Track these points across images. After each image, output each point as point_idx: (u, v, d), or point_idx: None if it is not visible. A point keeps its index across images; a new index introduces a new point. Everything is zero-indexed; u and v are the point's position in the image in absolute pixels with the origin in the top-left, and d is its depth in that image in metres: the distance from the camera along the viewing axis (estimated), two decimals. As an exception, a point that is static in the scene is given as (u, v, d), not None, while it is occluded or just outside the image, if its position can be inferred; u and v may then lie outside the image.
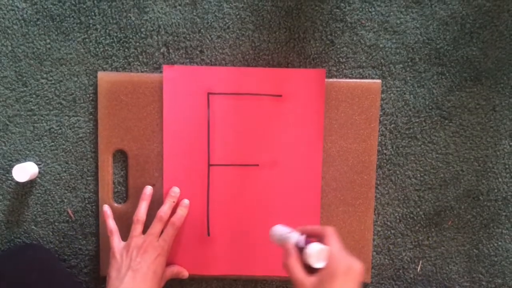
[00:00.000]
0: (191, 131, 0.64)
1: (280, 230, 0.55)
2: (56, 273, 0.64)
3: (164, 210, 0.62)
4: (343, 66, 0.65)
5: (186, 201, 0.64)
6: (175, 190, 0.64)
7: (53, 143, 0.66)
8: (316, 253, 0.48)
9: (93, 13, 0.64)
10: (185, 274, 0.65)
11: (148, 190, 0.63)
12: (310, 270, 0.48)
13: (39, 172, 0.66)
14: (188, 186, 0.65)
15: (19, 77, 0.65)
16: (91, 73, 0.65)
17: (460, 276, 0.69)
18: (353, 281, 0.46)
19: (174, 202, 0.63)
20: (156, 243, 0.59)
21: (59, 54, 0.64)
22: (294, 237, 0.51)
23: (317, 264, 0.48)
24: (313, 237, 0.52)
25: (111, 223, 0.62)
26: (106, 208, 0.63)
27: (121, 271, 0.57)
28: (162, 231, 0.61)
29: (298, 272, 0.48)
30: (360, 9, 0.65)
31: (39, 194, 0.66)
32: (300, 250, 0.50)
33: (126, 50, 0.64)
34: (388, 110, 0.66)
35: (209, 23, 0.64)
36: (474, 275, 0.69)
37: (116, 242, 0.60)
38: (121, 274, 0.56)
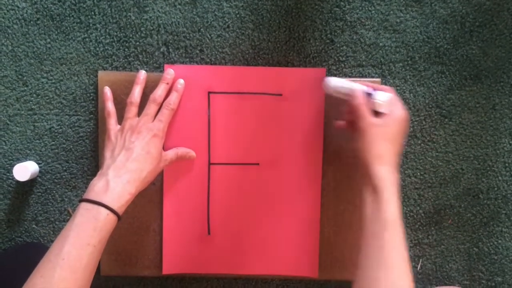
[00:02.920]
0: (192, 130, 0.64)
1: (338, 81, 0.59)
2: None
3: (158, 93, 0.61)
4: (343, 65, 0.65)
5: (181, 81, 0.62)
6: (170, 72, 0.62)
7: (53, 142, 0.66)
8: (384, 99, 0.55)
9: (93, 13, 0.64)
10: (192, 154, 0.64)
11: (142, 74, 0.62)
12: (374, 113, 0.56)
13: (40, 171, 0.66)
14: (188, 184, 0.65)
15: (20, 76, 0.65)
16: (91, 72, 0.65)
17: (460, 275, 0.69)
18: (406, 128, 0.56)
19: (168, 84, 0.62)
20: (150, 124, 0.59)
21: (59, 53, 0.64)
22: (361, 86, 0.57)
23: (383, 109, 0.55)
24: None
25: (110, 106, 0.61)
26: (107, 90, 0.62)
27: (115, 151, 0.57)
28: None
29: (368, 113, 0.55)
30: (360, 8, 0.65)
31: (40, 193, 0.66)
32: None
33: (126, 49, 0.65)
34: (388, 108, 0.66)
35: (209, 22, 0.64)
36: (474, 273, 0.69)
37: (113, 124, 0.60)
38: (115, 154, 0.56)
